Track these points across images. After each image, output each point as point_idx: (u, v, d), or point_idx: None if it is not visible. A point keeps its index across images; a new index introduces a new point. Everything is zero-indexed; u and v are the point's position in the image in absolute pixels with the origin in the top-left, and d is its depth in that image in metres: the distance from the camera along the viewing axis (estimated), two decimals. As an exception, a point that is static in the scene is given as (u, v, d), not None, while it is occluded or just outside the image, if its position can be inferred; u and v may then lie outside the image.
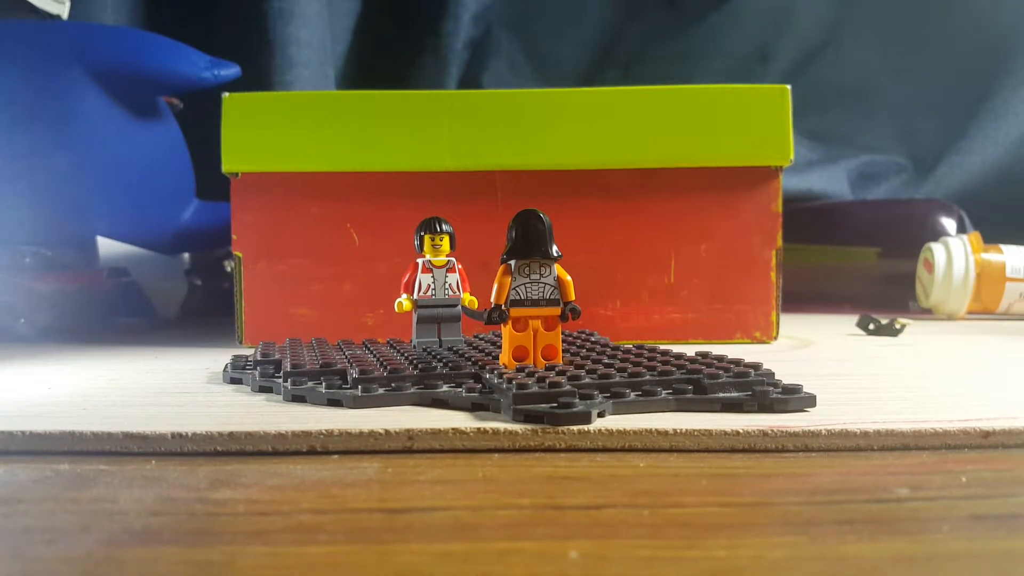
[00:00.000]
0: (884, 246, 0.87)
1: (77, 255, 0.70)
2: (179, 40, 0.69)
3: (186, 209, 0.75)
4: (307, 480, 0.22)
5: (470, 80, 1.04)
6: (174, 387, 0.36)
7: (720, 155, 0.51)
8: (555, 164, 0.51)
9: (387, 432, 0.26)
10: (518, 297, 0.33)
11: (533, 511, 0.20)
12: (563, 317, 0.33)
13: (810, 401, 0.29)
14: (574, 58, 1.09)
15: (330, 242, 0.52)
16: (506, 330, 0.33)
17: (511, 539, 0.18)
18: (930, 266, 0.70)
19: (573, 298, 0.33)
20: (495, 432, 0.26)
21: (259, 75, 0.88)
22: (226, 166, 0.51)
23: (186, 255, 0.81)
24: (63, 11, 0.77)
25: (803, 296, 0.85)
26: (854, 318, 0.60)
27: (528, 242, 0.33)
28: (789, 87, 0.51)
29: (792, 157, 0.50)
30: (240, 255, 0.52)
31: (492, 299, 0.33)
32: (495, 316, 0.33)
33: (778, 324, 0.52)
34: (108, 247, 0.69)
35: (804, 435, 0.26)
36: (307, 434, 0.26)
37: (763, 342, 0.52)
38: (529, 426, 0.26)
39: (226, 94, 0.51)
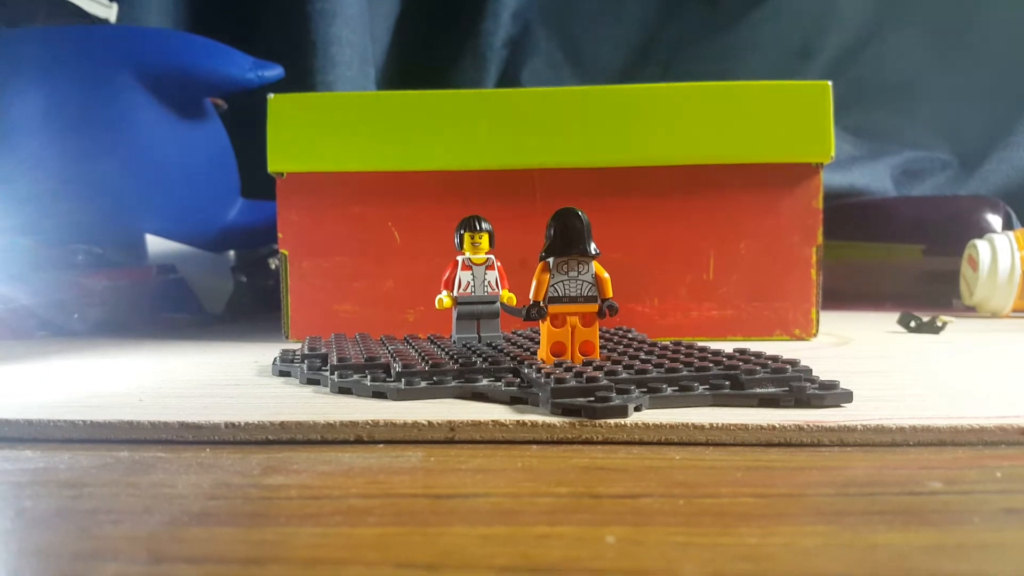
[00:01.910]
0: (928, 243, 0.86)
1: (127, 253, 0.72)
2: (223, 42, 0.71)
3: (231, 208, 0.77)
4: (355, 467, 0.23)
5: (509, 78, 1.05)
6: (225, 379, 0.37)
7: (760, 152, 0.51)
8: (593, 162, 0.52)
9: (430, 423, 0.27)
10: (556, 294, 0.34)
11: (571, 499, 0.20)
12: (600, 314, 0.34)
13: (847, 397, 0.29)
14: (613, 55, 1.09)
15: (372, 240, 0.53)
16: (544, 326, 0.34)
17: (550, 524, 0.18)
18: (974, 263, 0.69)
19: (611, 295, 0.34)
20: (534, 424, 0.27)
21: (301, 75, 0.90)
22: (272, 166, 0.52)
23: (232, 253, 0.83)
24: (111, 15, 0.79)
25: (845, 294, 0.85)
26: (896, 316, 0.60)
27: (566, 240, 0.33)
28: (830, 83, 0.50)
29: (833, 154, 0.50)
30: (286, 253, 0.53)
31: (531, 296, 0.34)
32: (533, 312, 0.33)
33: (818, 321, 0.52)
34: (157, 245, 0.71)
35: (840, 430, 0.26)
36: (354, 424, 0.27)
37: (802, 339, 0.52)
38: (567, 419, 0.27)
39: (271, 95, 0.52)
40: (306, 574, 0.15)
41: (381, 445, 0.26)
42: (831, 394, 0.29)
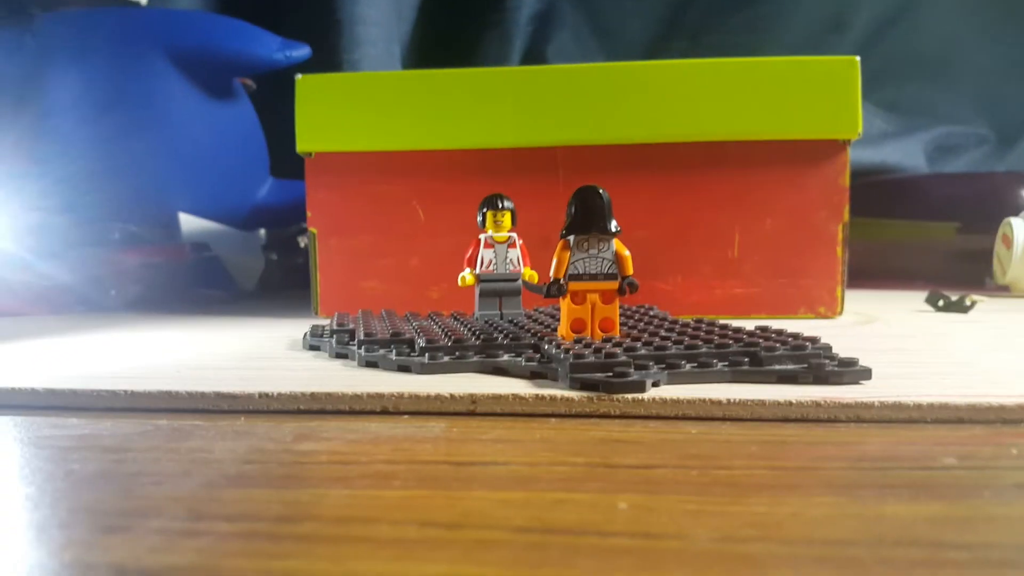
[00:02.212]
0: (961, 221, 0.85)
1: (161, 231, 0.74)
2: (251, 22, 0.72)
3: (261, 187, 0.78)
4: (381, 436, 0.24)
5: (534, 54, 1.05)
6: (258, 353, 0.38)
7: (787, 128, 0.51)
8: (617, 139, 0.52)
9: (452, 396, 0.28)
10: (576, 272, 0.34)
11: (586, 468, 0.21)
12: (620, 291, 0.34)
13: (866, 374, 0.29)
14: (640, 29, 1.08)
15: (397, 219, 0.54)
16: (564, 303, 0.34)
17: (565, 491, 0.19)
18: (1008, 242, 0.68)
19: (631, 273, 0.34)
20: (553, 398, 0.27)
21: (327, 55, 0.90)
22: (300, 146, 0.53)
23: (262, 231, 0.84)
24: (142, -3, 0.80)
25: (876, 272, 0.84)
26: (925, 295, 0.59)
27: (587, 217, 0.33)
28: (858, 58, 0.50)
29: (860, 130, 0.50)
30: (315, 231, 0.54)
31: (551, 273, 0.34)
32: (554, 290, 0.34)
33: (843, 299, 0.52)
34: (190, 223, 0.73)
35: (857, 406, 0.26)
36: (380, 396, 0.28)
37: (827, 317, 0.52)
38: (585, 393, 0.27)
39: (299, 76, 0.53)
40: (337, 531, 0.16)
41: (406, 416, 0.27)
42: (850, 371, 0.29)
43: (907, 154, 0.97)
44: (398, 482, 0.20)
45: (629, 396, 0.27)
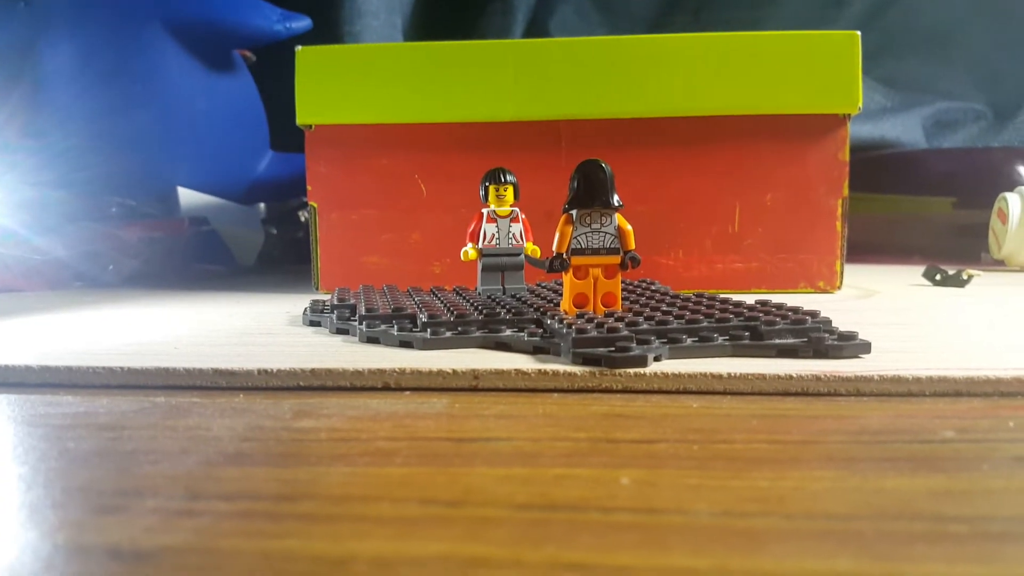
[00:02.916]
0: (958, 196, 0.85)
1: (160, 205, 0.73)
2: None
3: (261, 160, 0.78)
4: (382, 412, 0.24)
5: (537, 27, 1.04)
6: (257, 328, 0.38)
7: (787, 103, 0.50)
8: (620, 113, 0.51)
9: (454, 371, 0.28)
10: (579, 246, 0.34)
11: (589, 443, 0.21)
12: (623, 266, 0.34)
13: (865, 348, 0.29)
14: (642, 4, 1.07)
15: (399, 193, 0.53)
16: (567, 278, 0.34)
17: (567, 466, 0.19)
18: (1004, 216, 0.68)
19: (633, 247, 0.34)
20: (555, 373, 0.27)
21: (328, 26, 0.89)
22: (300, 118, 0.53)
23: (262, 205, 0.84)
24: (141, -32, 0.79)
25: (874, 247, 0.84)
26: (923, 269, 0.59)
27: (589, 191, 0.33)
28: (859, 33, 0.50)
29: (860, 105, 0.50)
30: (315, 205, 0.54)
31: (554, 248, 0.34)
32: (556, 264, 0.34)
33: (842, 274, 0.52)
34: (189, 197, 0.73)
35: (856, 380, 0.26)
36: (381, 372, 0.27)
37: (827, 292, 0.52)
38: (587, 368, 0.27)
39: (299, 47, 0.52)
40: (336, 509, 0.16)
41: (407, 392, 0.27)
42: (849, 345, 0.29)
43: (906, 129, 0.97)
44: (399, 459, 0.20)
45: (631, 371, 0.27)
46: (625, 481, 0.18)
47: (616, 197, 0.34)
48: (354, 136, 0.53)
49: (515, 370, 0.27)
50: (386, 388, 0.28)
